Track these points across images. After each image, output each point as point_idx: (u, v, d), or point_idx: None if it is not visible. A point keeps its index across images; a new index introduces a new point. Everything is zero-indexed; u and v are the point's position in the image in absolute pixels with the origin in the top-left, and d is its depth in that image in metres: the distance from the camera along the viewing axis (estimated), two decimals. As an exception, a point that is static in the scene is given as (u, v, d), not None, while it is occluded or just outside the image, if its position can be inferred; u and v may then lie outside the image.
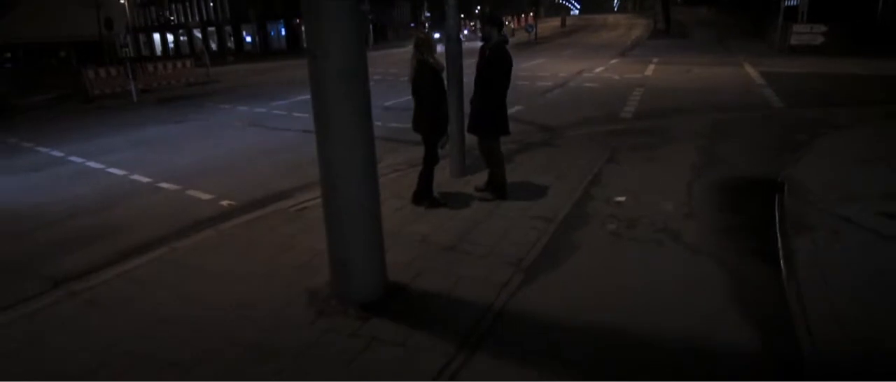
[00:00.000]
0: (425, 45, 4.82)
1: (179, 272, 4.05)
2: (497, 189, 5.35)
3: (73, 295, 3.71)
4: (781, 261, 3.74)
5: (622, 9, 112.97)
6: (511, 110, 5.53)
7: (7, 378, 2.81)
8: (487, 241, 4.33)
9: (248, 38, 57.26)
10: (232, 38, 58.23)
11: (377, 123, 3.80)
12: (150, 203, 6.09)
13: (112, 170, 7.55)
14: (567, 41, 37.41)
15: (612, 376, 2.66)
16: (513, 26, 52.22)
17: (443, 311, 3.30)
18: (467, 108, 5.37)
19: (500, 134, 5.16)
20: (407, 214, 5.02)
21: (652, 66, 18.49)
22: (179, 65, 20.98)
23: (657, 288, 3.51)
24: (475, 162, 6.09)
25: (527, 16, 36.64)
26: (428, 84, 4.76)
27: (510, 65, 5.06)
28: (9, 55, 14.65)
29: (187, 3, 61.41)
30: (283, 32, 55.55)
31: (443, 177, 5.91)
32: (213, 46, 50.52)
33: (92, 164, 7.96)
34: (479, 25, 45.73)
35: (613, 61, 21.43)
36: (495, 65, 4.98)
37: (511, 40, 5.78)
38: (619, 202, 5.16)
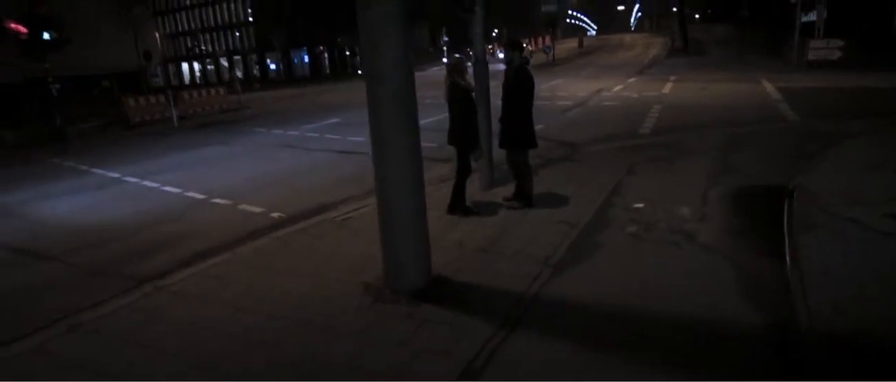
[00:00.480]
0: (457, 69, 5.41)
1: (247, 271, 4.60)
2: (524, 199, 5.83)
3: (160, 289, 4.29)
4: (787, 257, 4.13)
5: (639, 28, 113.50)
6: (532, 128, 6.05)
7: (138, 343, 3.42)
8: (518, 243, 4.80)
9: (273, 66, 59.27)
10: (257, 66, 60.30)
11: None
12: (207, 216, 6.71)
13: (167, 188, 8.24)
14: (584, 61, 38.00)
15: (634, 348, 3.09)
16: (530, 48, 53.11)
17: (482, 298, 3.78)
18: (495, 126, 5.90)
19: (527, 147, 5.67)
20: (443, 223, 5.52)
21: (669, 84, 18.90)
22: (213, 92, 22.07)
23: (673, 281, 3.93)
24: (502, 176, 6.59)
25: (544, 38, 37.34)
26: (460, 102, 5.33)
27: (532, 84, 5.62)
28: (58, 86, 15.74)
29: (215, 33, 63.88)
30: (306, 59, 57.40)
31: (473, 190, 6.41)
32: (239, 74, 52.34)
33: (148, 183, 8.67)
34: (496, 48, 46.63)
35: (631, 80, 21.88)
36: (519, 86, 5.53)
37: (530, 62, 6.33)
38: (637, 208, 5.60)
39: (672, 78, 21.05)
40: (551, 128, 11.38)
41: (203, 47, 63.58)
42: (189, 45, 64.55)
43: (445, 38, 48.07)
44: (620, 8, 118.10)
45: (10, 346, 3.54)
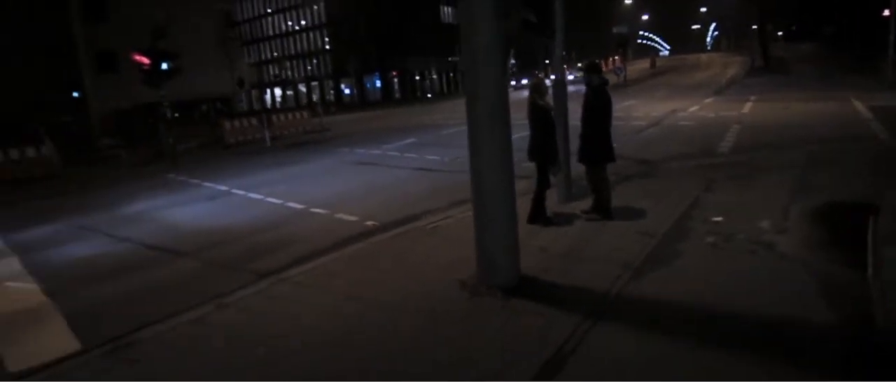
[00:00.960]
0: (538, 89, 5.90)
1: (353, 268, 5.23)
2: (603, 211, 6.15)
3: (284, 280, 4.99)
4: (869, 267, 4.23)
5: (716, 47, 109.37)
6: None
7: (279, 319, 4.08)
8: (598, 250, 5.14)
9: (347, 90, 62.25)
10: (332, 91, 63.56)
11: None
12: (309, 223, 7.50)
13: (270, 199, 9.19)
14: (658, 82, 37.34)
15: (712, 342, 3.37)
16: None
17: (568, 294, 4.17)
18: (573, 144, 6.29)
19: (605, 162, 6.03)
20: (525, 231, 5.88)
21: (749, 104, 18.41)
22: (297, 115, 23.77)
23: (752, 285, 4.15)
24: (578, 191, 6.93)
25: (614, 59, 37.09)
26: (540, 121, 5.79)
27: (610, 103, 6.02)
28: (171, 111, 18.02)
29: (294, 61, 68.07)
30: (379, 84, 59.92)
31: (551, 203, 6.77)
32: (316, 98, 55.51)
33: (253, 195, 9.69)
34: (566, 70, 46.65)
35: (708, 100, 21.43)
36: (598, 105, 5.95)
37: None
38: (716, 221, 5.77)
39: (752, 98, 20.45)
40: (626, 146, 11.53)
41: (288, 73, 67.83)
42: (276, 72, 68.94)
43: (513, 61, 48.78)
44: (695, 26, 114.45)
45: (180, 316, 4.34)
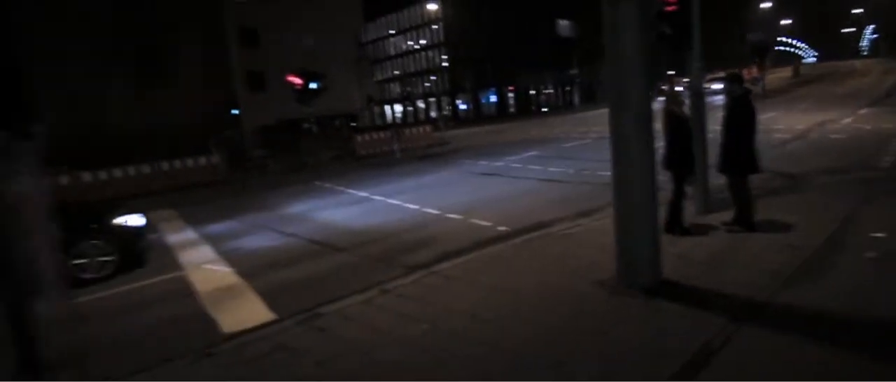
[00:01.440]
0: (674, 100, 5.99)
1: (493, 266, 5.68)
2: (745, 223, 6.03)
3: (434, 273, 5.57)
4: None
5: (874, 52, 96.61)
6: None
7: (436, 304, 4.66)
8: (741, 259, 5.11)
9: (462, 106, 64.03)
10: (449, 106, 65.75)
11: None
12: (446, 226, 8.12)
13: (408, 205, 10.02)
14: (802, 92, 34.10)
15: (874, 355, 3.31)
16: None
17: (711, 299, 4.25)
18: (711, 156, 6.25)
19: (748, 172, 5.92)
20: (662, 240, 5.98)
21: (916, 115, 16.31)
22: (422, 129, 25.18)
23: (921, 301, 3.93)
24: (716, 204, 6.80)
25: (750, 68, 34.38)
26: (677, 130, 5.87)
27: (755, 112, 5.94)
28: (315, 126, 20.42)
29: (413, 78, 71.53)
30: (494, 99, 60.93)
31: (687, 215, 6.73)
32: (433, 113, 57.79)
33: (391, 201, 10.62)
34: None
35: (862, 111, 19.29)
36: (740, 113, 5.89)
37: None
38: (877, 237, 5.42)
39: (920, 108, 18.06)
40: (769, 159, 10.80)
41: (409, 89, 71.52)
42: (397, 89, 72.96)
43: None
44: (846, 30, 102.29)
45: (351, 297, 5.08)
